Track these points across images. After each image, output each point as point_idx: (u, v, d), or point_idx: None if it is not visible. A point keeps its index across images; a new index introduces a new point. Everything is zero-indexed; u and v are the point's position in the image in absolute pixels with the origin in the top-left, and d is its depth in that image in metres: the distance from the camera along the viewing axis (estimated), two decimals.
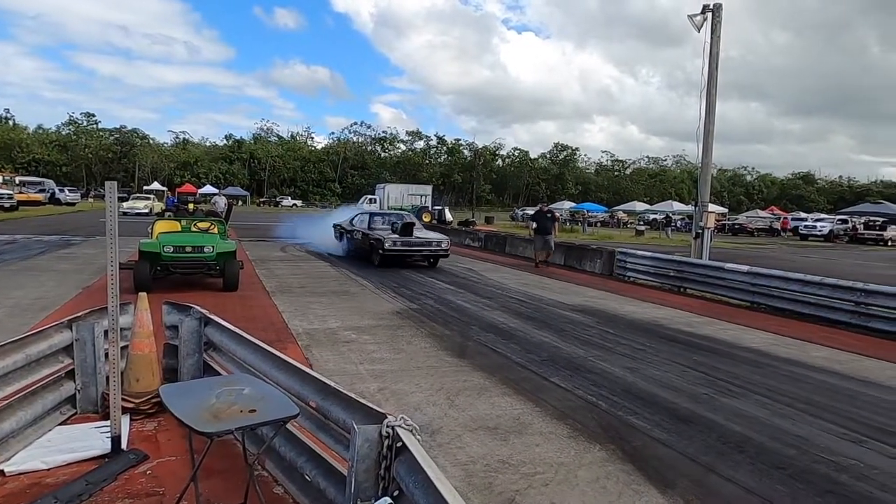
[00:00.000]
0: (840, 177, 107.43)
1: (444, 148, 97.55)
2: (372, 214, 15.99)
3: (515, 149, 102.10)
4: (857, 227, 41.67)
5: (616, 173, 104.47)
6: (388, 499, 2.02)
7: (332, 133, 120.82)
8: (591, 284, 12.72)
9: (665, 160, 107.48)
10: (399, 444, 2.32)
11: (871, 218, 43.58)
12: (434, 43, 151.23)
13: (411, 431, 2.34)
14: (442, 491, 1.87)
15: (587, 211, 52.38)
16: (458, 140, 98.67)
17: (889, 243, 38.61)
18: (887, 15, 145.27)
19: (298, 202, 73.48)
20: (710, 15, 13.69)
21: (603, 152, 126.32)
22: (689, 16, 13.91)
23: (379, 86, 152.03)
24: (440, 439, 4.05)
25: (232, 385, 2.78)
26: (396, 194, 41.87)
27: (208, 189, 62.02)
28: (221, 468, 3.35)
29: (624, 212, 57.62)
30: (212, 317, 4.38)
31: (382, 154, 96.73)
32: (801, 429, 4.56)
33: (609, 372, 5.91)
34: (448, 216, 39.24)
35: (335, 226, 17.48)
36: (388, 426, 2.36)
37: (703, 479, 3.64)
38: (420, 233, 14.66)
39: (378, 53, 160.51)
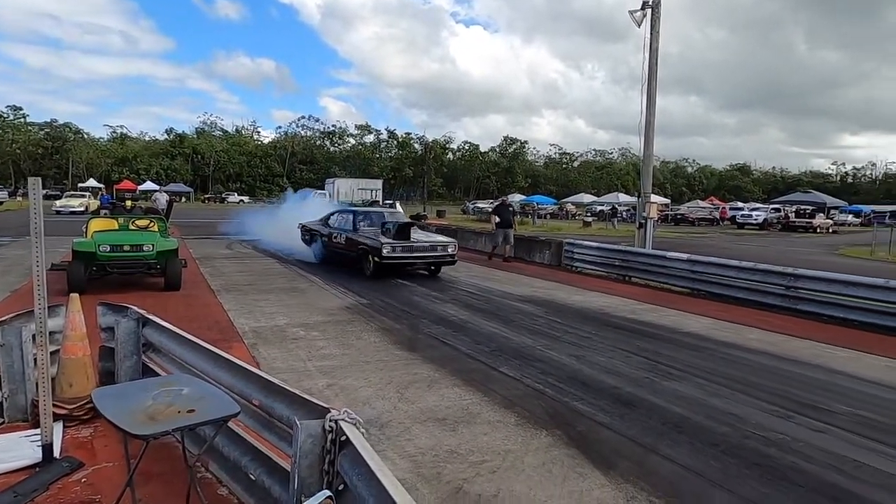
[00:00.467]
0: (773, 168, 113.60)
1: (395, 142, 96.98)
2: (355, 213, 13.20)
3: (466, 142, 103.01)
4: (789, 215, 43.90)
5: (564, 166, 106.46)
6: (327, 492, 2.01)
7: (279, 127, 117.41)
8: (540, 275, 12.94)
9: (611, 153, 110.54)
10: (343, 438, 2.31)
11: (802, 206, 45.94)
12: (382, 35, 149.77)
13: (355, 425, 2.33)
14: (384, 482, 1.88)
15: (537, 203, 53.30)
16: (409, 134, 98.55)
17: (818, 230, 40.83)
18: (814, 14, 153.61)
19: (245, 198, 71.17)
20: (649, 11, 14.09)
21: (551, 145, 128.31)
22: (629, 11, 14.26)
23: (327, 79, 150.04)
24: (389, 432, 4.05)
25: (170, 386, 2.70)
26: (346, 189, 41.48)
27: (149, 186, 59.76)
28: (161, 471, 3.26)
29: (572, 203, 58.81)
30: (150, 317, 4.23)
31: (331, 148, 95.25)
32: (735, 407, 4.79)
33: (556, 360, 6.04)
34: (399, 210, 39.04)
35: (302, 227, 14.66)
36: (331, 420, 2.35)
37: (643, 460, 3.77)
38: (419, 235, 12.31)
39: (325, 46, 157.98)
